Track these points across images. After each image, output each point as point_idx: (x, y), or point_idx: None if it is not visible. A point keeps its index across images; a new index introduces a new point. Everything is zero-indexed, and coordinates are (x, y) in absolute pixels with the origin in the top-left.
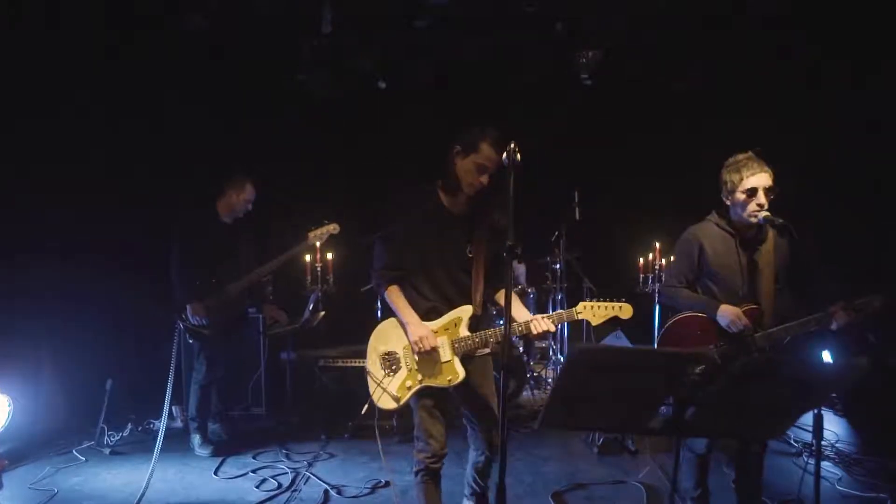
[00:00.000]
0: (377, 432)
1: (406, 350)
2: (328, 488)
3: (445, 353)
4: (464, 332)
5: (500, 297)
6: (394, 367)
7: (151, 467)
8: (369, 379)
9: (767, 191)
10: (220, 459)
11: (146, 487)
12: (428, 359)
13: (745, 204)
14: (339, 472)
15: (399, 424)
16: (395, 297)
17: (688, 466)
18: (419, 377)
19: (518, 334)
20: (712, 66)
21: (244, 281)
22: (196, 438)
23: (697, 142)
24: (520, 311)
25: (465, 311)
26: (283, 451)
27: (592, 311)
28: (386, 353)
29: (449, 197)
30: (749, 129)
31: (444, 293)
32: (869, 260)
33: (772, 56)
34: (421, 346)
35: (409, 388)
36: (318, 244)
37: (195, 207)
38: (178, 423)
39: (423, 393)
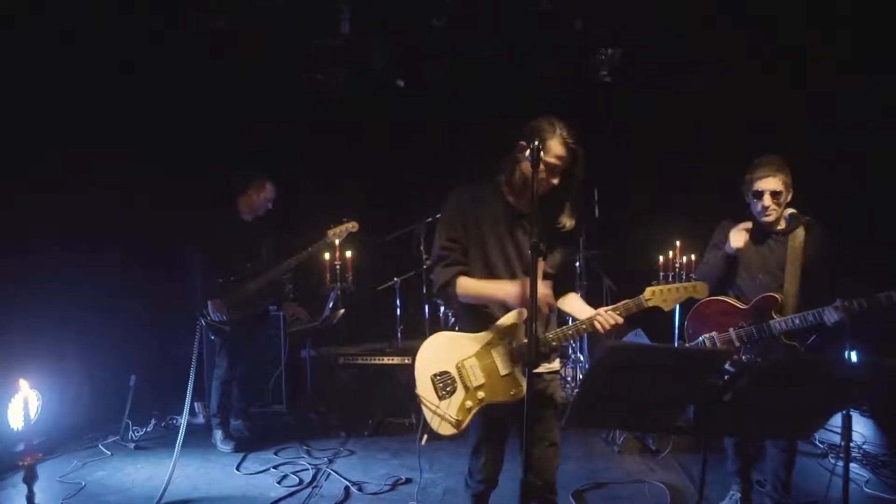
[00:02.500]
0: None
1: (461, 368)
2: (349, 485)
3: (505, 365)
4: (522, 338)
5: (564, 302)
6: (449, 389)
7: (173, 463)
8: (423, 406)
9: (773, 195)
10: (241, 455)
11: (168, 482)
12: (488, 373)
13: (754, 205)
14: (360, 469)
15: (419, 422)
16: (468, 283)
17: (728, 445)
18: (480, 395)
19: (581, 333)
20: (733, 66)
21: (264, 278)
22: (218, 434)
23: (718, 140)
24: (582, 308)
25: (521, 315)
26: (304, 447)
27: (662, 297)
28: (437, 375)
29: (514, 196)
30: (769, 128)
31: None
32: (873, 260)
33: (791, 56)
34: (519, 301)
35: (470, 410)
36: (337, 242)
37: (216, 206)
38: (200, 419)
39: (484, 413)
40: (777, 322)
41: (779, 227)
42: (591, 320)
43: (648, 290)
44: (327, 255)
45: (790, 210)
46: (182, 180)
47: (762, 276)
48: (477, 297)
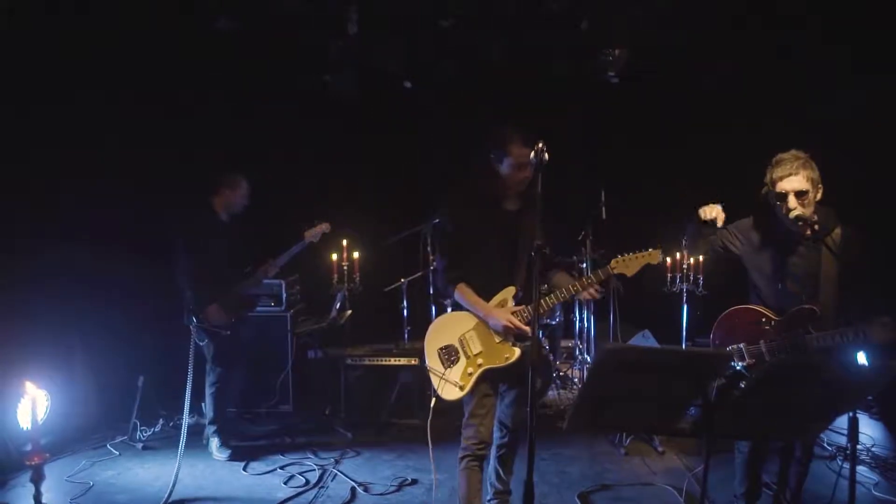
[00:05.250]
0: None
1: (462, 340)
2: (355, 486)
3: (499, 334)
4: (510, 309)
5: (555, 278)
6: (453, 359)
7: (178, 463)
8: (431, 375)
9: (799, 195)
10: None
11: (174, 482)
12: (485, 342)
13: (779, 208)
14: (366, 470)
15: (425, 423)
16: (464, 293)
17: (737, 465)
18: (479, 362)
19: (560, 301)
20: (743, 66)
21: (251, 281)
22: (215, 442)
23: (726, 140)
24: (562, 279)
25: (509, 291)
26: (311, 448)
27: (625, 264)
28: (443, 347)
29: (497, 194)
30: (779, 129)
31: (494, 287)
32: None
33: (802, 56)
34: (512, 326)
35: (471, 375)
36: (315, 241)
37: (197, 208)
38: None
39: (480, 378)
40: (814, 338)
41: (808, 233)
42: (570, 289)
43: (612, 261)
44: (335, 257)
45: (796, 212)
46: (186, 181)
47: (790, 284)
48: (466, 305)
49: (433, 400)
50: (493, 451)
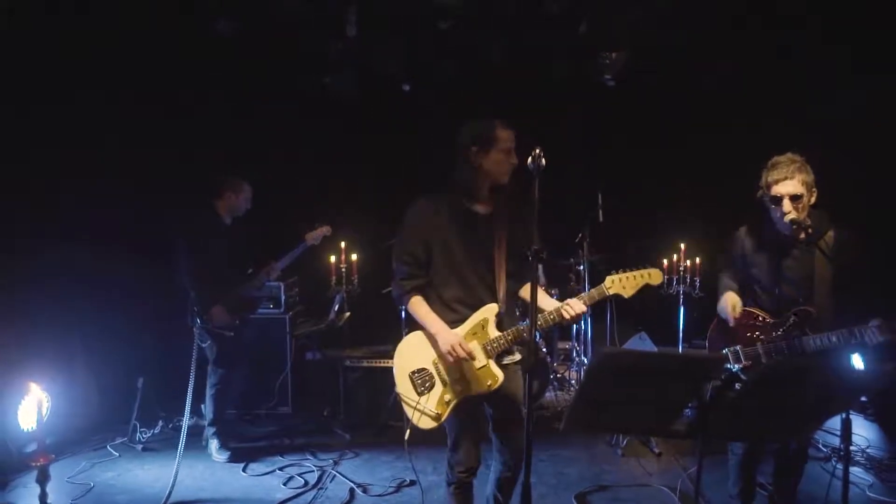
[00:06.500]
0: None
1: (437, 363)
2: (354, 487)
3: (480, 358)
4: (493, 332)
5: (525, 292)
6: (427, 385)
7: (177, 464)
8: (403, 403)
9: (793, 199)
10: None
11: (173, 484)
12: (463, 367)
13: (773, 211)
14: (365, 471)
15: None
16: (418, 307)
17: (731, 466)
18: (458, 388)
19: (551, 323)
20: (743, 66)
21: (254, 283)
22: (214, 443)
23: (726, 140)
24: (547, 301)
25: (490, 311)
26: (310, 449)
27: (622, 284)
28: (415, 372)
29: (470, 197)
30: (779, 129)
31: (471, 295)
32: None
33: (802, 56)
34: (454, 354)
35: (449, 403)
36: (315, 244)
37: (198, 209)
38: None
39: (460, 405)
40: (811, 339)
41: (801, 237)
42: (559, 310)
43: (608, 280)
44: (333, 259)
45: (791, 216)
46: (186, 181)
47: (785, 287)
48: (418, 320)
49: (408, 432)
50: (492, 479)
